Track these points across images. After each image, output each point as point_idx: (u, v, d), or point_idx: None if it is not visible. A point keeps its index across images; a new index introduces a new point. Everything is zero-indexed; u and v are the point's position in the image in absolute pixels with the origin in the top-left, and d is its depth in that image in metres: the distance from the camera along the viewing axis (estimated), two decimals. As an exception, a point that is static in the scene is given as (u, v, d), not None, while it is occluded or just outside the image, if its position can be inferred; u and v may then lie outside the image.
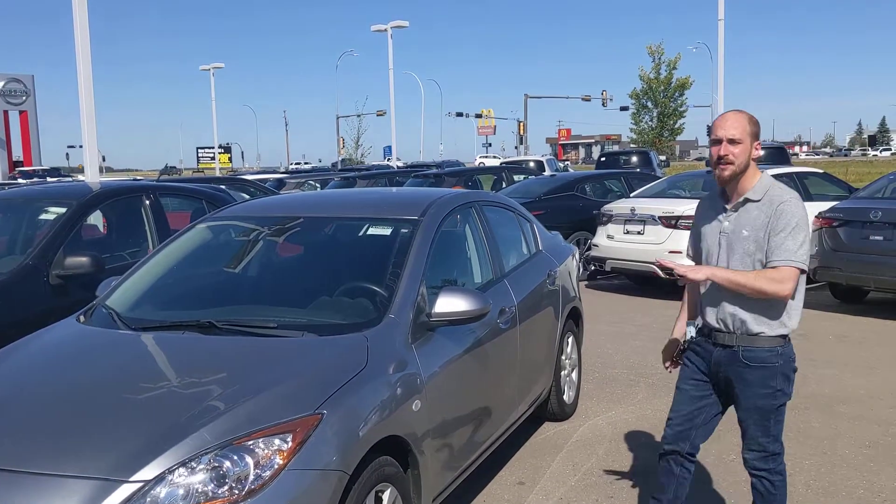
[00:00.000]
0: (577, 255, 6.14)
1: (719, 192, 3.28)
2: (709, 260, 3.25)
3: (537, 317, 4.91)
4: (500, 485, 4.51)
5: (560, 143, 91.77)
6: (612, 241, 10.74)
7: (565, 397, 5.53)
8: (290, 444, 2.70)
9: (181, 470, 2.57)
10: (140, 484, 2.51)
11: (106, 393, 3.01)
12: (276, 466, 2.65)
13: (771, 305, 3.13)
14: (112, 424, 2.78)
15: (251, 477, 2.61)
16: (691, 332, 3.42)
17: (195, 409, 2.80)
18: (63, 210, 5.69)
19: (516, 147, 60.79)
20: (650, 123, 49.32)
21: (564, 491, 4.41)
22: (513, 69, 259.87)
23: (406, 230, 3.99)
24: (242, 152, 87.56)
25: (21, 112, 40.74)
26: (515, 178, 15.93)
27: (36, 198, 6.41)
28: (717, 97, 30.89)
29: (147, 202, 6.30)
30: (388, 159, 43.79)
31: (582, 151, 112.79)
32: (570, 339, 5.64)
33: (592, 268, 11.64)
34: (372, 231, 4.20)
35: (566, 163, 67.37)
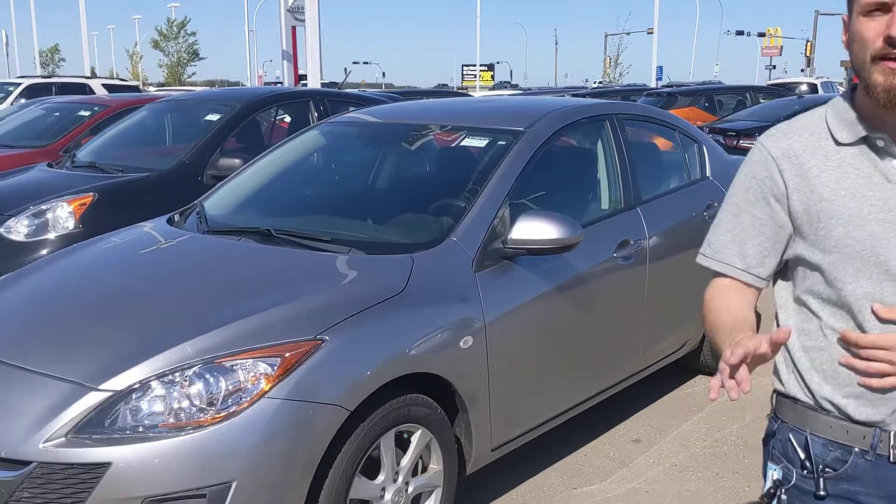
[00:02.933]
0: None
1: (860, 127, 1.46)
2: (881, 264, 1.42)
3: (684, 254, 4.18)
4: (612, 439, 3.97)
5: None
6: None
7: (725, 349, 4.76)
8: (276, 369, 2.43)
9: (154, 383, 2.40)
10: (109, 394, 2.38)
11: (126, 297, 2.92)
12: (256, 392, 2.40)
13: None
14: (112, 330, 2.68)
15: (228, 400, 2.39)
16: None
17: (189, 321, 2.62)
18: (226, 112, 5.81)
19: (802, 70, 55.07)
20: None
21: (683, 457, 3.79)
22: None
23: (503, 142, 3.49)
24: (511, 71, 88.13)
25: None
26: (762, 100, 14.24)
27: (205, 100, 6.64)
28: None
29: (313, 107, 6.29)
30: (659, 81, 41.77)
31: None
32: (738, 282, 4.80)
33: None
34: (467, 142, 3.74)
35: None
